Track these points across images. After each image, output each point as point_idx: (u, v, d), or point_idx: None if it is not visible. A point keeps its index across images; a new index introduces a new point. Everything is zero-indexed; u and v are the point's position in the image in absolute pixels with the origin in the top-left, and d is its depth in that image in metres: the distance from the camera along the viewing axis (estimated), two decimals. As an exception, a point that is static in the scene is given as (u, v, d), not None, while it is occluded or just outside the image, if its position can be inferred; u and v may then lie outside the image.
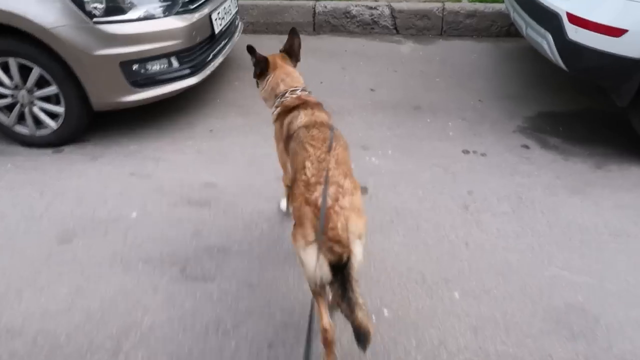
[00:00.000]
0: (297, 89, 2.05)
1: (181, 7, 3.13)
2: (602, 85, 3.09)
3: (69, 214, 2.53)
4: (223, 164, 2.93)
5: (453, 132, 3.23)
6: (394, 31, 4.88)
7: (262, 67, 2.14)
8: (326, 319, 1.55)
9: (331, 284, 1.46)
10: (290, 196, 1.92)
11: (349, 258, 1.43)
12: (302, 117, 1.87)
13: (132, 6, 2.90)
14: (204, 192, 2.69)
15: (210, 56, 3.43)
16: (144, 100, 3.06)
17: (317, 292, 1.54)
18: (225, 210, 2.54)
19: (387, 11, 4.83)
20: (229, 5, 3.72)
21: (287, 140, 1.92)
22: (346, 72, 4.08)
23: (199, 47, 3.28)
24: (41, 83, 2.93)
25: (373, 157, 2.98)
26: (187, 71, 3.21)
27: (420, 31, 4.84)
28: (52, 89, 2.92)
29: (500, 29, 4.74)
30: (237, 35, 4.01)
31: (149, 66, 3.02)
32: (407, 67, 4.17)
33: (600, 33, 2.73)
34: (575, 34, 2.82)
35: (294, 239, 1.54)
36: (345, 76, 4.01)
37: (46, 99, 2.99)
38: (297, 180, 1.63)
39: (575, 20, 2.83)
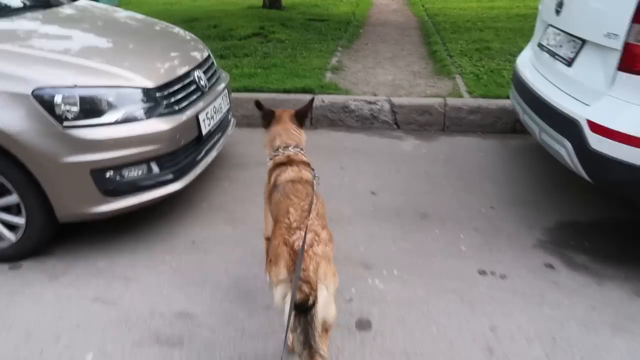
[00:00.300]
0: (290, 146, 2.18)
1: (165, 107, 2.88)
2: (632, 201, 2.77)
3: (12, 354, 2.09)
4: (203, 287, 2.52)
5: (466, 247, 2.87)
6: (395, 126, 4.68)
7: (268, 120, 2.35)
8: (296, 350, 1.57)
9: (295, 327, 1.52)
10: (268, 247, 2.00)
11: (314, 303, 1.52)
12: (289, 173, 2.03)
13: (110, 108, 2.63)
14: (177, 325, 2.26)
15: (197, 159, 3.14)
16: (118, 210, 2.71)
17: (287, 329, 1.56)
18: (200, 353, 2.11)
19: (387, 106, 4.66)
20: (220, 104, 3.50)
21: (272, 190, 2.05)
22: (345, 173, 3.79)
23: (184, 151, 3.00)
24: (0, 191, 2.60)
25: (377, 278, 2.58)
26: (170, 176, 2.90)
27: (422, 127, 4.64)
28: (12, 199, 2.58)
29: (506, 126, 4.54)
30: (229, 132, 3.77)
31: (125, 172, 2.71)
32: (410, 166, 3.90)
33: (628, 144, 2.45)
34: (599, 144, 2.54)
35: (268, 275, 1.69)
36: (344, 177, 3.72)
37: (5, 208, 2.64)
38: (279, 223, 1.76)
39: (597, 129, 2.57)
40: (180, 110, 2.97)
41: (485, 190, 3.53)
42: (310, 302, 1.51)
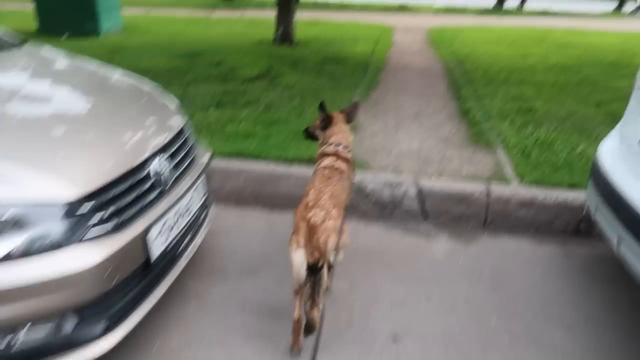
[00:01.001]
0: (341, 145, 2.68)
1: (96, 225, 1.91)
2: None
3: None
4: None
5: None
6: (421, 217, 3.68)
7: (326, 123, 2.84)
8: (297, 313, 2.17)
9: (305, 284, 2.10)
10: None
11: (322, 266, 2.07)
12: (326, 161, 2.57)
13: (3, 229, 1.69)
14: None
15: (141, 296, 2.16)
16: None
17: (297, 290, 2.13)
18: None
19: (412, 191, 3.67)
20: (190, 202, 2.53)
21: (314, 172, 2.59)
22: (355, 296, 2.78)
23: (121, 289, 2.02)
24: None
25: None
26: (96, 331, 1.92)
27: (456, 220, 3.63)
28: None
29: (567, 226, 3.52)
30: (203, 231, 2.80)
31: (20, 336, 1.74)
32: (445, 290, 2.87)
33: None
34: None
35: (290, 242, 2.11)
36: (354, 305, 2.70)
37: None
38: (301, 202, 2.25)
39: None
40: (120, 227, 2.00)
41: (554, 340, 2.49)
42: (320, 264, 2.07)
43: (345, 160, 2.61)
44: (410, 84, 7.03)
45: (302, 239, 2.08)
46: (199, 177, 2.66)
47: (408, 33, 13.00)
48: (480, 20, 17.52)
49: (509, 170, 3.98)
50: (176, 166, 2.51)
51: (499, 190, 3.62)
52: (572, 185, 3.62)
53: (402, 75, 7.60)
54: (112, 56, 7.91)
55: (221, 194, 3.80)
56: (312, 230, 2.07)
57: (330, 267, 2.25)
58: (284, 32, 9.22)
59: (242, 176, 3.87)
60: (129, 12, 15.13)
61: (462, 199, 3.61)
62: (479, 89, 6.46)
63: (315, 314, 2.13)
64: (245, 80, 6.52)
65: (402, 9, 21.54)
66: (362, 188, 3.70)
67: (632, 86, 2.97)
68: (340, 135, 2.74)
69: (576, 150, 4.31)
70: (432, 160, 4.20)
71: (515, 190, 3.61)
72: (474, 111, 5.44)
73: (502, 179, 3.80)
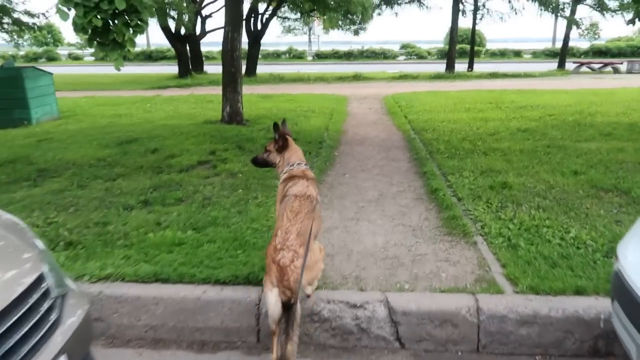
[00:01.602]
0: (302, 164, 2.95)
1: None
2: None
3: None
4: None
5: None
6: (396, 344, 2.83)
7: (284, 143, 3.00)
8: (275, 354, 2.29)
9: (280, 320, 2.27)
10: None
11: (294, 303, 2.26)
12: (299, 187, 2.69)
13: None
14: None
15: None
16: None
17: (274, 330, 2.30)
18: None
19: (382, 311, 2.85)
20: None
21: (282, 198, 2.71)
22: None
23: None
24: None
25: None
26: None
27: (443, 345, 2.80)
28: None
29: (581, 344, 2.74)
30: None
31: None
32: None
33: None
34: None
35: (264, 283, 2.37)
36: None
37: None
38: (271, 241, 2.46)
39: None
40: None
41: None
42: (292, 301, 2.26)
43: (313, 180, 2.85)
44: (370, 160, 6.40)
45: (274, 279, 2.29)
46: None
47: (364, 102, 12.71)
48: (433, 85, 17.67)
49: (497, 269, 3.24)
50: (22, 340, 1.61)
51: (491, 303, 2.83)
52: (579, 291, 2.88)
53: (359, 150, 6.99)
54: (37, 147, 7.04)
55: (132, 333, 2.88)
56: (282, 272, 2.28)
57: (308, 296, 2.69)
58: (232, 110, 8.62)
59: (162, 306, 2.97)
60: (73, 95, 14.42)
61: (447, 318, 2.80)
62: (445, 163, 5.87)
63: (290, 347, 2.23)
64: (183, 169, 5.73)
65: (356, 77, 21.71)
66: (317, 312, 2.85)
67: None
68: (298, 153, 2.99)
69: (569, 236, 3.64)
70: (403, 262, 3.42)
71: (511, 302, 2.83)
72: (442, 190, 4.78)
73: (491, 285, 3.03)
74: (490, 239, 3.66)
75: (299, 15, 26.88)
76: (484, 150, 6.40)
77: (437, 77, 21.78)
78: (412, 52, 43.40)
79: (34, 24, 29.02)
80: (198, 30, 25.02)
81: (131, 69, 31.36)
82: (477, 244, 3.62)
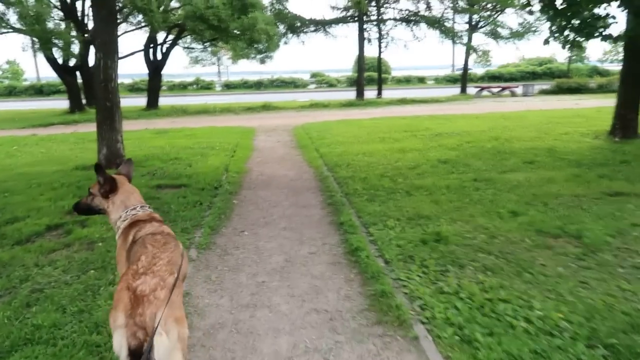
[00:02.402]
0: (145, 206, 2.34)
1: None
2: None
3: None
4: None
5: None
6: None
7: (111, 186, 2.33)
8: None
9: None
10: None
11: (150, 349, 1.47)
12: (149, 228, 2.14)
13: None
14: None
15: None
16: None
17: None
18: None
19: None
20: None
21: (131, 246, 2.06)
22: None
23: None
24: None
25: None
26: None
27: None
28: None
29: None
30: None
31: None
32: None
33: None
34: None
35: (109, 321, 1.62)
36: None
37: None
38: (128, 269, 1.79)
39: None
40: None
41: None
42: (145, 348, 1.49)
43: (162, 222, 2.30)
44: (276, 208, 5.28)
45: (121, 314, 1.59)
46: None
47: (272, 134, 11.66)
48: (345, 113, 17.12)
49: (453, 388, 2.21)
50: None
51: None
52: None
53: (264, 194, 5.86)
54: None
55: None
56: (136, 301, 1.60)
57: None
58: (109, 152, 7.15)
59: None
60: None
61: None
62: (364, 208, 4.90)
63: None
64: (21, 240, 4.23)
65: (265, 107, 20.74)
66: None
67: None
68: (135, 195, 2.40)
69: (534, 314, 2.73)
70: (318, 383, 2.29)
71: None
72: (365, 250, 3.76)
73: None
74: (436, 330, 2.64)
75: (202, 45, 25.63)
76: (406, 189, 5.53)
77: (348, 104, 21.43)
78: (322, 81, 43.53)
79: None
80: (92, 61, 22.92)
81: (18, 105, 28.13)
82: (419, 340, 2.59)
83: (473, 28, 26.86)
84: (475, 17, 26.50)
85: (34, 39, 21.87)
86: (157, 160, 7.74)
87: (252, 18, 16.93)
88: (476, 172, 6.23)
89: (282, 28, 24.26)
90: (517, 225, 4.21)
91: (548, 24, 7.92)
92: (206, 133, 11.39)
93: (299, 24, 25.05)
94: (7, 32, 18.62)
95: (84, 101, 21.52)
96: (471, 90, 27.75)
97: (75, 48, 20.83)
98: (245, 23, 16.42)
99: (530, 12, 7.55)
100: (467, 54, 27.98)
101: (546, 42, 6.90)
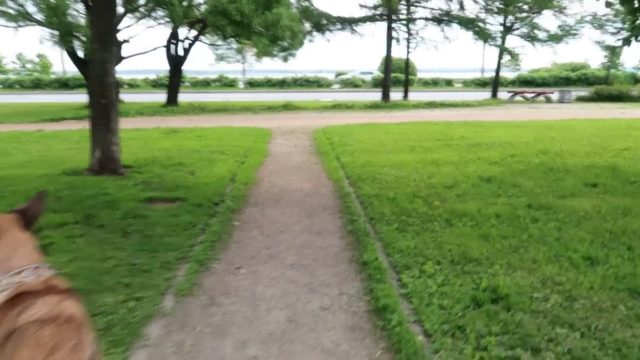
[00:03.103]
0: (38, 267, 1.29)
1: None
2: None
3: None
4: None
5: None
6: None
7: None
8: None
9: None
10: None
11: None
12: (40, 309, 1.19)
13: None
14: None
15: None
16: None
17: None
18: None
19: None
20: None
21: (1, 346, 1.16)
22: None
23: None
24: None
25: None
26: None
27: None
28: None
29: None
30: None
31: None
32: None
33: None
34: None
35: None
36: None
37: None
38: None
39: None
40: None
41: None
42: None
43: (67, 294, 1.28)
44: (284, 234, 4.32)
45: None
46: None
47: (290, 137, 10.73)
48: (370, 115, 16.09)
49: None
50: None
51: None
52: None
53: (272, 214, 4.91)
54: None
55: None
56: None
57: None
58: (103, 155, 6.30)
59: None
60: None
61: None
62: (394, 241, 3.90)
63: None
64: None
65: (286, 107, 19.84)
66: None
67: None
68: (25, 250, 1.33)
69: None
70: None
71: None
72: (396, 313, 2.76)
73: None
74: None
75: (225, 41, 24.91)
76: (446, 216, 4.50)
77: (373, 106, 20.38)
78: (347, 81, 42.45)
79: None
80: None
81: (40, 98, 27.89)
82: None
83: (508, 30, 25.50)
84: (511, 18, 25.15)
85: (54, 32, 21.49)
86: (157, 165, 6.87)
87: (276, 14, 16.06)
88: (529, 196, 5.16)
89: (307, 25, 23.35)
90: (600, 279, 3.15)
91: (589, 27, 6.77)
92: (219, 134, 10.51)
93: (325, 22, 24.10)
94: (27, 24, 18.19)
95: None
96: (502, 94, 26.39)
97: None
98: (269, 19, 15.58)
99: (609, 4, 6.39)
100: (500, 57, 26.61)
101: (626, 42, 5.82)
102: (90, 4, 6.09)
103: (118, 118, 6.42)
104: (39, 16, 18.23)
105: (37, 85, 40.62)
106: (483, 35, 24.65)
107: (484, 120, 13.09)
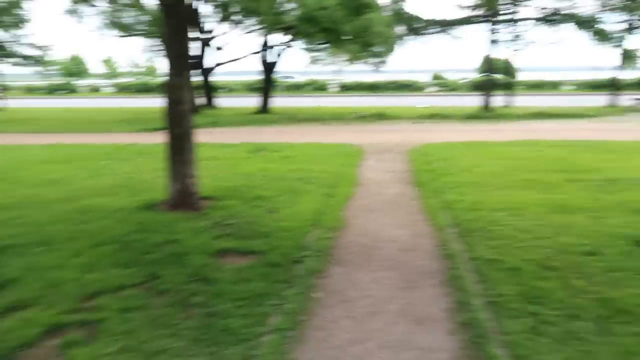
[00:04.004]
0: None
1: None
2: None
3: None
4: None
5: None
6: None
7: None
8: None
9: None
10: None
11: None
12: None
13: None
14: None
15: None
16: None
17: None
18: None
19: None
20: None
21: None
22: None
23: None
24: None
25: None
26: None
27: None
28: None
29: None
30: None
31: None
32: None
33: None
34: None
35: None
36: None
37: None
38: None
39: None
40: None
41: None
42: None
43: None
44: (374, 319, 3.42)
45: None
46: None
47: (383, 158, 9.78)
48: (469, 129, 14.64)
49: None
50: None
51: None
52: None
53: (360, 282, 4.03)
54: None
55: None
56: None
57: None
58: (179, 190, 5.81)
59: None
60: (45, 140, 11.98)
61: None
62: (532, 356, 2.84)
63: None
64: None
65: (379, 116, 18.86)
66: None
67: None
68: None
69: None
70: None
71: None
72: None
73: None
74: None
75: (315, 48, 24.56)
76: (595, 311, 3.32)
77: (473, 116, 18.76)
78: (443, 84, 40.41)
79: (40, 56, 27.60)
80: (207, 62, 22.95)
81: (145, 102, 29.33)
82: None
83: (630, 29, 22.44)
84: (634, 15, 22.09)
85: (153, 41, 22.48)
86: (237, 199, 6.27)
87: (368, 19, 15.20)
88: None
89: (400, 30, 22.20)
90: None
91: None
92: (307, 154, 9.84)
93: (418, 25, 22.76)
94: (126, 35, 19.11)
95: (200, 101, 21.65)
96: (619, 99, 23.27)
97: (194, 49, 20.86)
98: (359, 25, 14.78)
99: None
100: (623, 59, 23.51)
101: None
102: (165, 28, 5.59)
103: (193, 148, 5.89)
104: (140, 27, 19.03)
105: (145, 89, 43.30)
106: (602, 36, 21.92)
107: (614, 141, 11.15)
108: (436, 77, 43.82)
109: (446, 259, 4.43)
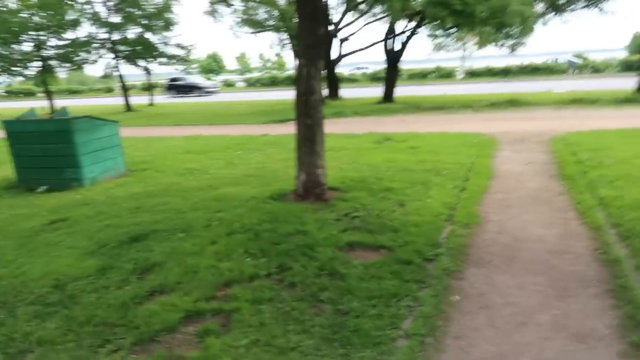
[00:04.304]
0: None
1: None
2: None
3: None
4: None
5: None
6: None
7: None
8: None
9: None
10: None
11: None
12: None
13: None
14: None
15: None
16: None
17: None
18: None
19: None
20: None
21: None
22: None
23: None
24: None
25: None
26: None
27: None
28: None
29: None
30: None
31: None
32: None
33: None
34: None
35: None
36: None
37: None
38: None
39: None
40: None
41: None
42: None
43: None
44: (523, 331, 3.02)
45: None
46: None
47: (519, 148, 8.94)
48: (623, 115, 12.83)
49: None
50: None
51: None
52: None
53: (503, 286, 3.61)
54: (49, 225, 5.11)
55: None
56: None
57: None
58: (309, 179, 5.82)
59: None
60: (181, 133, 13.06)
61: None
62: None
63: None
64: (146, 338, 3.06)
65: (512, 103, 17.43)
66: None
67: None
68: None
69: None
70: None
71: None
72: None
73: None
74: None
75: (444, 32, 23.50)
76: None
77: (626, 100, 16.45)
78: (585, 66, 36.27)
79: (185, 55, 30.20)
80: (334, 54, 23.27)
81: (274, 95, 30.74)
82: None
83: None
84: None
85: (281, 36, 23.35)
86: (364, 190, 6.11)
87: (504, -1, 14.00)
88: None
89: (540, 7, 20.20)
90: None
91: None
92: (434, 144, 9.36)
93: (562, 1, 20.50)
94: (257, 31, 20.07)
95: (325, 93, 21.99)
96: None
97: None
98: (495, 5, 13.68)
99: None
100: None
101: None
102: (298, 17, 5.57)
103: (323, 139, 5.85)
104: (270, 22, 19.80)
105: (273, 82, 45.37)
106: None
107: None
108: (579, 57, 39.40)
109: (607, 266, 3.81)
